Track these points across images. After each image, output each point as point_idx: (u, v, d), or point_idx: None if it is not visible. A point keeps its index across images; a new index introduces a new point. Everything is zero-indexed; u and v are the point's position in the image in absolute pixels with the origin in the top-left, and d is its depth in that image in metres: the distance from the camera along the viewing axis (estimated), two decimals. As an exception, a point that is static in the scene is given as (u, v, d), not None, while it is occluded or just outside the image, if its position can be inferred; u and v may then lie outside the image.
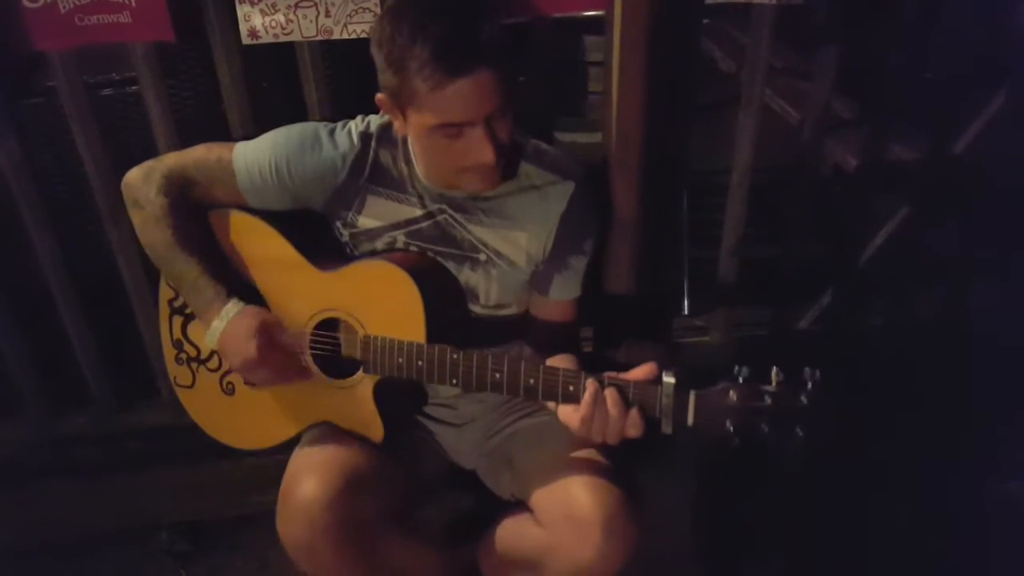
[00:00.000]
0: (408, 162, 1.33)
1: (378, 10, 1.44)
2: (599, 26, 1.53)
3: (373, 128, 1.34)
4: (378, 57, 1.19)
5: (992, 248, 2.09)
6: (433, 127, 1.19)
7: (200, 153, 1.36)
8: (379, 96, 1.25)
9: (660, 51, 1.43)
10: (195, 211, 1.37)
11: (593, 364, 1.25)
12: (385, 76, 1.20)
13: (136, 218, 1.37)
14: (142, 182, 1.35)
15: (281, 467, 1.40)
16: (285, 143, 1.33)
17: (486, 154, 1.21)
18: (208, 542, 1.91)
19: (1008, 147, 1.93)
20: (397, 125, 1.27)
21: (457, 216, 1.35)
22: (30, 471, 1.86)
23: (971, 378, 1.99)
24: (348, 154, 1.33)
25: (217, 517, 1.90)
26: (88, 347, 1.79)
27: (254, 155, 1.33)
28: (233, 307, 1.31)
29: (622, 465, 1.31)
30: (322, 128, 1.35)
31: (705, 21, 2.60)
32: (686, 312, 2.26)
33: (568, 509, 1.26)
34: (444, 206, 1.35)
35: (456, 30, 1.14)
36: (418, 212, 1.35)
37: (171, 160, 1.37)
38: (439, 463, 1.51)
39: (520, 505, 1.41)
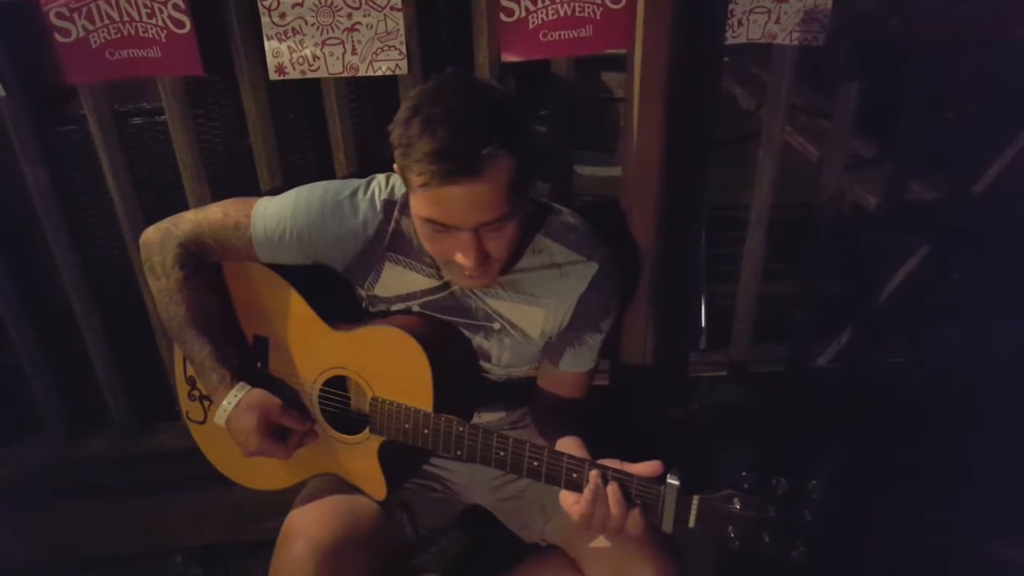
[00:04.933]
0: None
1: (403, 48, 1.47)
2: (617, 63, 1.55)
3: (397, 195, 1.32)
4: (392, 135, 1.18)
5: (1012, 287, 2.08)
6: (421, 218, 1.18)
7: (217, 217, 1.35)
8: (396, 166, 1.24)
9: (679, 88, 1.45)
10: (210, 281, 1.39)
11: (605, 404, 1.24)
12: (395, 154, 1.19)
13: (152, 286, 1.38)
14: (159, 247, 1.35)
15: (297, 495, 1.42)
16: (306, 211, 1.31)
17: (465, 260, 1.19)
18: (221, 567, 1.91)
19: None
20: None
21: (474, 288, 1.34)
22: (49, 491, 1.87)
23: (990, 418, 1.97)
24: (370, 223, 1.31)
25: (231, 542, 1.91)
26: (109, 370, 1.81)
27: (273, 221, 1.32)
28: (235, 396, 1.33)
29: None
30: (344, 192, 1.32)
31: (725, 59, 2.62)
32: (703, 347, 2.26)
33: (624, 572, 1.26)
34: None
35: (461, 138, 1.10)
36: (435, 283, 1.34)
37: (187, 226, 1.35)
38: (443, 513, 1.51)
39: (548, 548, 1.42)
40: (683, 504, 1.12)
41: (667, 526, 1.13)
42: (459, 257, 1.20)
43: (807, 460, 1.12)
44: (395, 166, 1.23)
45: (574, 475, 1.17)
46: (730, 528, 1.10)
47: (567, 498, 1.19)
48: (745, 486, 1.09)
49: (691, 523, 1.12)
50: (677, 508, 1.12)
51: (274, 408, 1.33)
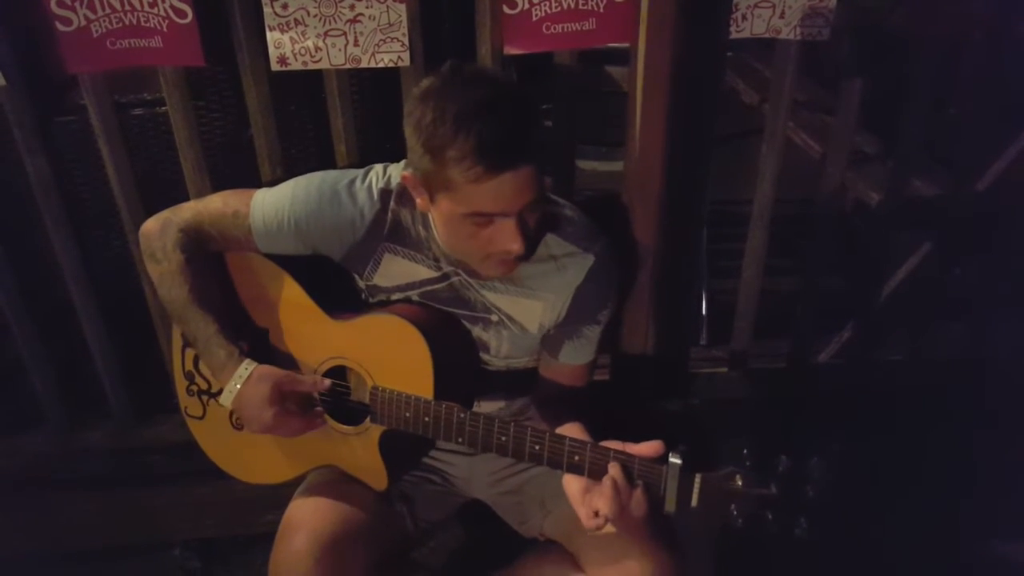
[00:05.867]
0: (427, 226, 1.31)
1: (406, 40, 1.46)
2: (620, 57, 1.54)
3: (394, 184, 1.32)
4: (413, 139, 1.17)
5: (1014, 285, 2.07)
6: (464, 214, 1.18)
7: (217, 206, 1.35)
8: (406, 174, 1.23)
9: (683, 83, 1.45)
10: (211, 265, 1.38)
11: (606, 401, 1.24)
12: (419, 159, 1.17)
13: (153, 272, 1.37)
14: (159, 235, 1.35)
15: (296, 489, 1.42)
16: (304, 200, 1.31)
17: (514, 245, 1.19)
18: (220, 560, 1.91)
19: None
20: (420, 203, 1.24)
21: (471, 280, 1.34)
22: (47, 483, 1.87)
23: (991, 417, 1.97)
24: (367, 213, 1.31)
25: (230, 535, 1.91)
26: (108, 361, 1.80)
27: (272, 210, 1.32)
28: (246, 369, 1.31)
29: (664, 519, 1.29)
30: (342, 182, 1.32)
31: (728, 54, 2.61)
32: (704, 342, 2.26)
33: (622, 566, 1.26)
34: (459, 269, 1.33)
35: (503, 126, 1.12)
36: (434, 274, 1.34)
37: (187, 214, 1.36)
38: (443, 506, 1.51)
39: (547, 543, 1.41)
40: (685, 483, 1.12)
41: (670, 505, 1.14)
42: (505, 244, 1.19)
43: (808, 453, 1.11)
44: (408, 173, 1.22)
45: (576, 457, 1.17)
46: (733, 506, 1.11)
47: (569, 480, 1.20)
48: (747, 463, 1.10)
49: (694, 502, 1.12)
50: (680, 487, 1.12)
51: (286, 378, 1.32)
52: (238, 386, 1.31)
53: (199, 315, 1.34)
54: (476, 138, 1.10)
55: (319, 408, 1.36)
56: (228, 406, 1.33)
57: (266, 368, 1.32)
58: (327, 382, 1.34)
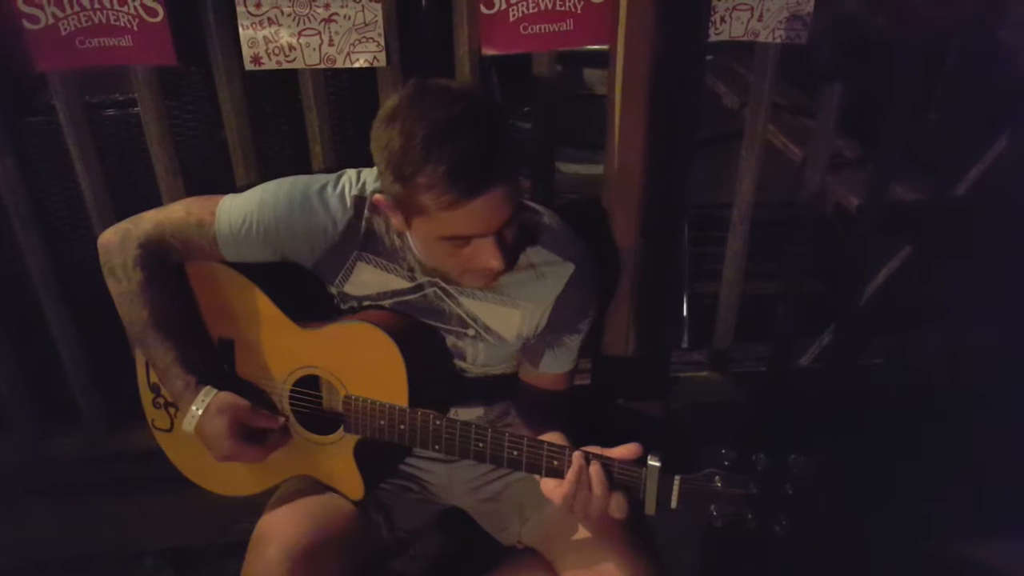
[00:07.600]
0: (401, 235, 1.28)
1: (382, 40, 1.44)
2: (601, 59, 1.53)
3: (368, 191, 1.29)
4: (381, 163, 1.13)
5: (992, 288, 2.08)
6: (441, 237, 1.15)
7: (180, 216, 1.31)
8: (378, 198, 1.20)
9: (662, 85, 1.44)
10: (173, 282, 1.34)
11: (587, 404, 1.23)
12: (389, 184, 1.13)
13: (112, 289, 1.33)
14: (118, 249, 1.31)
15: (270, 496, 1.39)
16: (273, 206, 1.28)
17: (494, 262, 1.17)
18: (193, 569, 1.88)
19: (1010, 189, 1.92)
20: (395, 222, 1.21)
21: (448, 289, 1.31)
22: (16, 492, 1.83)
23: (970, 418, 1.98)
24: (340, 220, 1.28)
25: (202, 544, 1.87)
26: (79, 368, 1.77)
27: (239, 216, 1.28)
28: (203, 400, 1.28)
29: (642, 524, 1.28)
30: (313, 187, 1.29)
31: (709, 57, 2.62)
32: (685, 345, 2.25)
33: (600, 573, 1.24)
34: (435, 279, 1.31)
35: (472, 150, 1.08)
36: (407, 284, 1.31)
37: (148, 225, 1.31)
38: (421, 514, 1.49)
39: (525, 551, 1.40)
40: (664, 484, 1.12)
41: (650, 507, 1.13)
42: (486, 262, 1.17)
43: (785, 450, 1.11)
44: (381, 197, 1.19)
45: (555, 462, 1.16)
46: (713, 507, 1.10)
47: (548, 484, 1.18)
48: (725, 463, 1.10)
49: (673, 503, 1.12)
50: (659, 489, 1.12)
51: (244, 410, 1.29)
52: (199, 411, 1.28)
53: (157, 341, 1.31)
54: (447, 164, 1.07)
55: (279, 432, 1.34)
56: (191, 431, 1.30)
57: (224, 399, 1.29)
58: (284, 420, 1.33)
